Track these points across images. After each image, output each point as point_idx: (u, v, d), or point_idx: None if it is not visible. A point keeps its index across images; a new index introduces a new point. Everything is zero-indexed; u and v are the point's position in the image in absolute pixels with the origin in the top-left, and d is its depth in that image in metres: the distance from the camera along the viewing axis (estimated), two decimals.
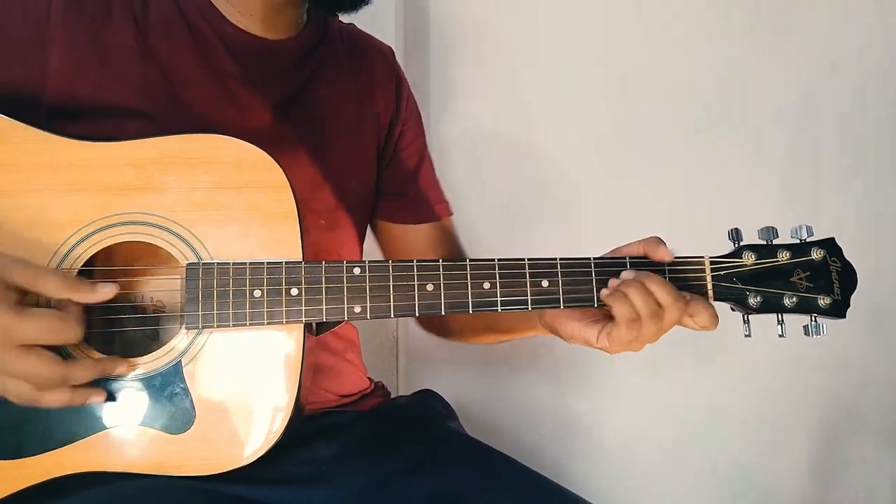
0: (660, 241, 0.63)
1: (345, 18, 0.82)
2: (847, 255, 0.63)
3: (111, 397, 0.57)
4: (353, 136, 0.77)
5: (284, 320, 0.58)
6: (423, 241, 0.82)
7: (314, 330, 0.62)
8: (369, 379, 0.83)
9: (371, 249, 0.85)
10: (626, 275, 0.61)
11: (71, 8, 0.63)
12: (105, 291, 0.54)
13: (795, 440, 1.29)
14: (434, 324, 0.88)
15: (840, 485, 1.29)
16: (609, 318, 0.62)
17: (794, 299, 0.62)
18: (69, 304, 0.53)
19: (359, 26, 0.84)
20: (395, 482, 0.64)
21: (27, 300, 0.52)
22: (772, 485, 1.29)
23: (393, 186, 0.82)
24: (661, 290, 0.59)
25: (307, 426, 0.66)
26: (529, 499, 0.63)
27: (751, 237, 0.64)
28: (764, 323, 0.63)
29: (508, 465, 0.68)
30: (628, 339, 0.60)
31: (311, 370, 0.64)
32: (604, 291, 0.61)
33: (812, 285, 0.62)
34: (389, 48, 0.85)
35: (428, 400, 0.81)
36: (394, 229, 0.83)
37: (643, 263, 0.62)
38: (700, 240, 0.68)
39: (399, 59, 0.86)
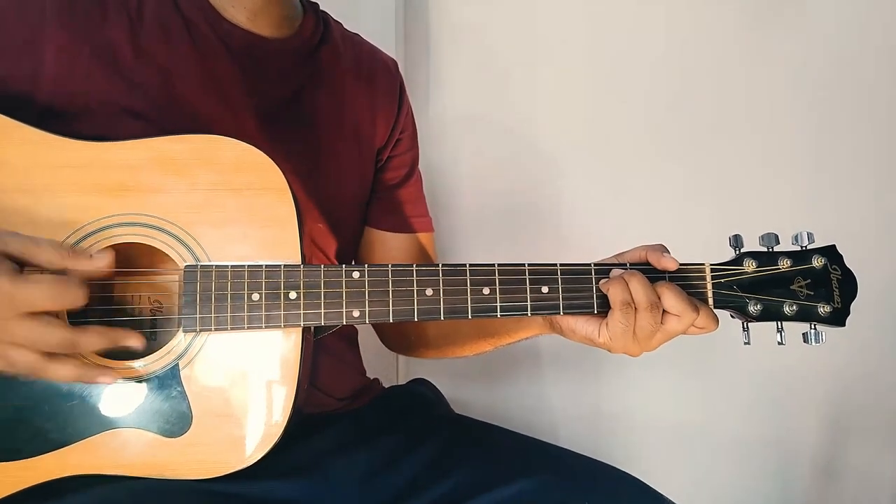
0: (664, 248, 0.63)
1: (343, 15, 0.82)
2: (850, 256, 0.63)
3: (107, 399, 0.57)
4: (351, 141, 0.77)
5: (282, 324, 0.58)
6: (396, 251, 0.82)
7: (312, 332, 0.62)
8: (366, 377, 0.84)
9: None
10: (632, 272, 0.60)
11: (64, 5, 0.63)
12: (101, 258, 0.53)
13: (796, 441, 1.29)
14: (404, 337, 0.87)
15: (840, 486, 1.29)
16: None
17: (794, 307, 0.61)
18: (68, 272, 0.52)
19: (358, 25, 0.83)
20: (388, 466, 0.66)
21: (26, 271, 0.51)
22: (772, 484, 1.29)
23: (377, 191, 0.82)
24: (674, 300, 0.58)
25: (300, 421, 0.66)
26: (510, 457, 0.66)
27: (751, 241, 0.64)
28: (764, 327, 0.63)
29: (491, 431, 0.71)
30: (622, 328, 0.59)
31: (309, 373, 0.64)
32: (602, 281, 0.61)
33: (812, 293, 0.62)
34: (393, 60, 0.85)
35: (418, 387, 0.83)
36: (370, 233, 0.83)
37: (645, 270, 0.61)
38: (697, 243, 0.68)
39: (399, 58, 0.86)
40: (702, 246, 0.66)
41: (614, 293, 0.59)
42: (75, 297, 0.50)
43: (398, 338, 0.88)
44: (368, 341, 0.88)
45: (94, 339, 0.52)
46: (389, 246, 0.82)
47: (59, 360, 0.51)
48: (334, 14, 0.81)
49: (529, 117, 1.26)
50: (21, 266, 0.51)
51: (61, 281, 0.50)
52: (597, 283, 0.61)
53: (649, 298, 0.58)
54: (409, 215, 0.83)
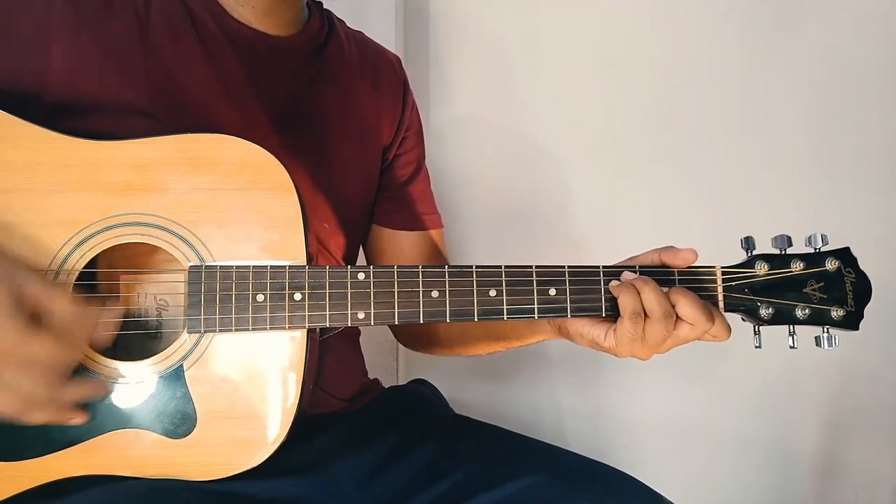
0: (677, 249, 0.62)
1: (345, 15, 0.81)
2: (856, 256, 0.62)
3: (113, 400, 0.56)
4: (357, 140, 0.77)
5: (287, 325, 0.57)
6: (408, 249, 0.82)
7: (317, 333, 0.62)
8: (367, 378, 0.83)
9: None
10: (645, 279, 0.59)
11: (71, 3, 0.62)
12: (104, 326, 0.54)
13: (796, 440, 1.28)
14: (416, 336, 0.87)
15: (840, 485, 1.29)
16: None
17: (807, 311, 0.60)
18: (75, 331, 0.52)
19: (358, 25, 0.83)
20: (388, 466, 0.66)
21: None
22: (772, 484, 1.29)
23: (385, 190, 0.81)
24: (689, 307, 0.57)
25: (303, 421, 0.66)
26: (510, 457, 0.66)
27: (763, 243, 0.63)
28: (772, 329, 0.62)
29: (491, 431, 0.71)
30: (630, 337, 0.58)
31: (314, 374, 0.64)
32: (613, 283, 0.60)
33: (825, 296, 0.61)
34: (397, 57, 0.85)
35: (418, 388, 0.82)
36: (380, 233, 0.83)
37: (654, 273, 0.61)
38: (708, 245, 0.67)
39: (400, 58, 0.85)
40: (713, 248, 0.65)
41: (625, 302, 0.58)
42: (72, 361, 0.52)
43: (410, 336, 0.88)
44: (370, 341, 0.88)
45: (74, 395, 0.53)
46: (401, 244, 0.82)
47: (37, 409, 0.51)
48: (336, 13, 0.81)
49: (534, 117, 1.25)
50: (33, 311, 0.50)
51: (64, 343, 0.50)
52: (606, 285, 0.60)
53: (663, 308, 0.57)
54: (421, 213, 0.83)
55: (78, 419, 0.55)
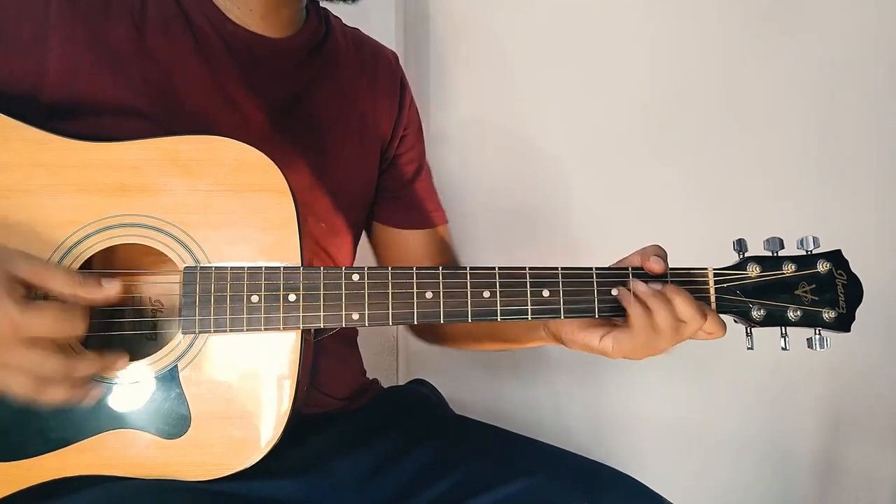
0: (657, 249, 0.62)
1: (345, 16, 0.81)
2: (850, 255, 0.62)
3: (107, 401, 0.56)
4: (355, 139, 0.77)
5: (282, 326, 0.58)
6: (417, 247, 0.82)
7: (312, 334, 0.62)
8: (366, 377, 0.84)
9: (364, 254, 0.84)
10: (654, 286, 0.59)
11: (68, 5, 0.63)
12: (110, 288, 0.53)
13: (795, 441, 1.28)
14: (428, 330, 0.87)
15: (840, 485, 1.29)
16: (612, 324, 0.62)
17: (799, 313, 0.61)
18: (73, 299, 0.52)
19: (358, 25, 0.83)
20: (388, 466, 0.66)
21: (31, 295, 0.51)
22: (772, 484, 1.29)
23: (389, 190, 0.82)
24: (684, 306, 0.58)
25: (301, 421, 0.66)
26: (510, 457, 0.66)
27: (755, 245, 0.63)
28: (766, 330, 0.63)
29: (490, 432, 0.71)
30: (635, 346, 0.59)
31: (309, 375, 0.64)
32: (622, 290, 0.60)
33: (817, 298, 0.61)
34: (394, 53, 0.84)
35: (418, 388, 0.83)
36: (388, 233, 0.83)
37: (646, 274, 0.61)
38: (703, 247, 0.67)
39: (400, 58, 0.85)
40: (713, 250, 0.65)
41: (637, 320, 0.58)
42: (76, 328, 0.51)
43: (420, 330, 0.88)
44: (369, 341, 0.88)
45: (88, 366, 0.53)
46: (411, 244, 0.82)
47: (52, 385, 0.51)
48: (335, 12, 0.81)
49: (535, 117, 1.25)
50: (29, 289, 0.51)
51: (66, 311, 0.50)
52: (598, 287, 0.61)
53: (671, 322, 0.58)
54: (429, 210, 0.83)
55: (95, 393, 0.55)
